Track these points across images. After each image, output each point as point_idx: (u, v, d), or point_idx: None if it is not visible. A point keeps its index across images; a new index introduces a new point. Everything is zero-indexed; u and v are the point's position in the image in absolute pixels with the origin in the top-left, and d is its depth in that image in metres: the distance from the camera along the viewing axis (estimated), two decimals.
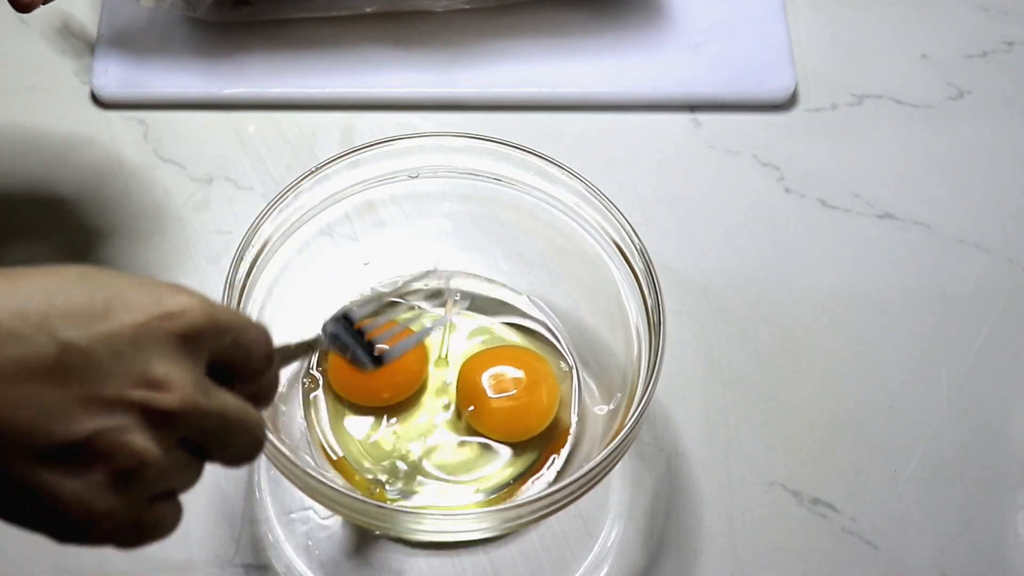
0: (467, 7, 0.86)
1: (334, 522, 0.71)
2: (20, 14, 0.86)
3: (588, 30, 0.87)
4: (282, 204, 0.71)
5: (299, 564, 0.70)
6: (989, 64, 0.88)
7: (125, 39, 0.85)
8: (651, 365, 0.66)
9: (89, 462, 0.45)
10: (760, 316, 0.78)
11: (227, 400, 0.49)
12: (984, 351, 0.77)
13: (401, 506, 0.69)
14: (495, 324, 0.76)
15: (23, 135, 0.83)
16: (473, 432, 0.72)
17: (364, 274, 0.76)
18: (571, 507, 0.64)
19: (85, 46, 0.86)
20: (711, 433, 0.74)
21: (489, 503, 0.70)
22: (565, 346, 0.75)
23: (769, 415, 0.75)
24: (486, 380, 0.72)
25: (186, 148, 0.83)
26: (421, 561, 0.70)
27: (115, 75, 0.84)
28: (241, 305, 0.68)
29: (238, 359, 0.50)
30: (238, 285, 0.68)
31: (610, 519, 0.72)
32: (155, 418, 0.46)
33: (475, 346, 0.75)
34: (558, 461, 0.71)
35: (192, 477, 0.49)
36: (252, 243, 0.69)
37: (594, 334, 0.74)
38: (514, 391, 0.71)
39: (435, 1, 0.85)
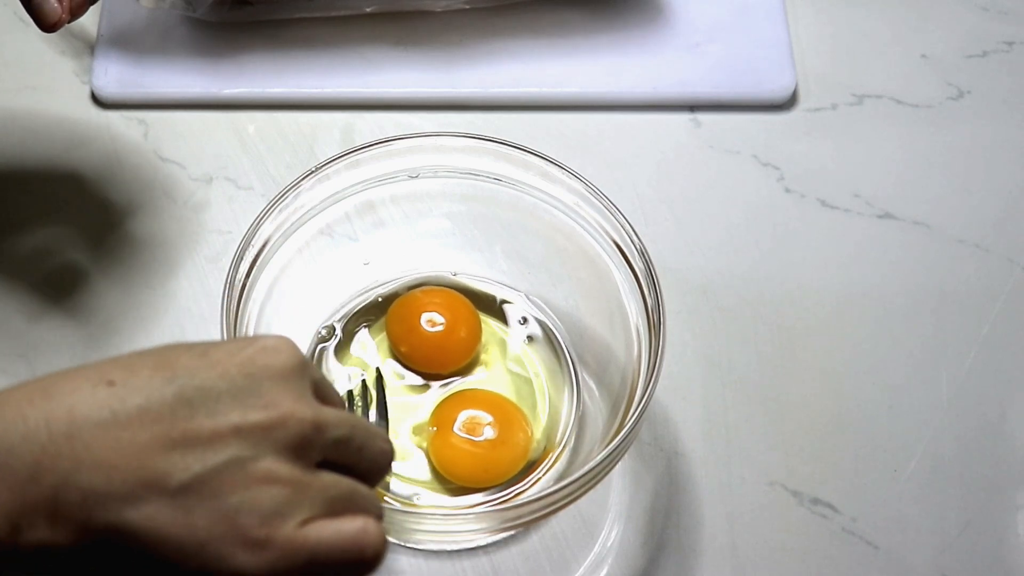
0: (467, 7, 0.86)
1: None
2: (19, 14, 0.86)
3: (588, 30, 0.87)
4: (282, 204, 0.71)
5: None
6: (989, 64, 0.88)
7: (125, 39, 0.85)
8: (651, 365, 0.66)
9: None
10: (760, 316, 0.78)
11: (347, 416, 0.49)
12: (984, 351, 0.77)
13: (401, 506, 0.69)
14: (501, 332, 0.76)
15: (23, 135, 0.83)
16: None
17: (364, 274, 0.76)
18: (571, 507, 0.64)
19: (85, 46, 0.86)
20: (711, 433, 0.74)
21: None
22: (565, 346, 0.75)
23: (769, 415, 0.75)
24: (460, 418, 0.71)
25: (186, 148, 0.83)
26: (421, 562, 0.70)
27: (115, 75, 0.84)
28: (241, 305, 0.68)
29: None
30: (238, 285, 0.68)
31: (610, 519, 0.72)
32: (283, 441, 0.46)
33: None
34: (557, 465, 0.71)
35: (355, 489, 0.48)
36: (252, 243, 0.69)
37: (594, 334, 0.74)
38: (480, 439, 0.70)
39: (435, 1, 0.85)
